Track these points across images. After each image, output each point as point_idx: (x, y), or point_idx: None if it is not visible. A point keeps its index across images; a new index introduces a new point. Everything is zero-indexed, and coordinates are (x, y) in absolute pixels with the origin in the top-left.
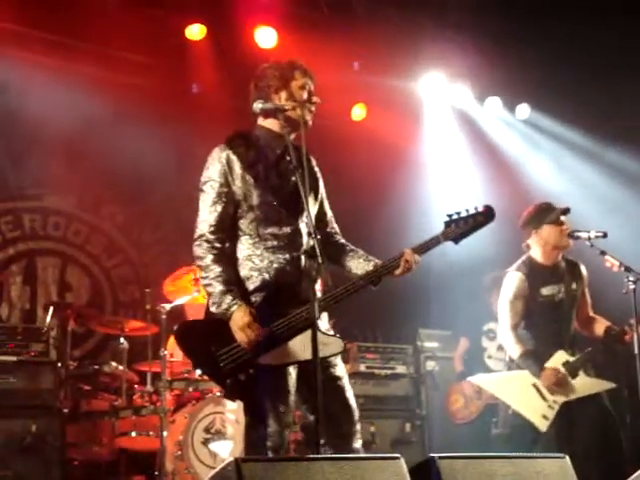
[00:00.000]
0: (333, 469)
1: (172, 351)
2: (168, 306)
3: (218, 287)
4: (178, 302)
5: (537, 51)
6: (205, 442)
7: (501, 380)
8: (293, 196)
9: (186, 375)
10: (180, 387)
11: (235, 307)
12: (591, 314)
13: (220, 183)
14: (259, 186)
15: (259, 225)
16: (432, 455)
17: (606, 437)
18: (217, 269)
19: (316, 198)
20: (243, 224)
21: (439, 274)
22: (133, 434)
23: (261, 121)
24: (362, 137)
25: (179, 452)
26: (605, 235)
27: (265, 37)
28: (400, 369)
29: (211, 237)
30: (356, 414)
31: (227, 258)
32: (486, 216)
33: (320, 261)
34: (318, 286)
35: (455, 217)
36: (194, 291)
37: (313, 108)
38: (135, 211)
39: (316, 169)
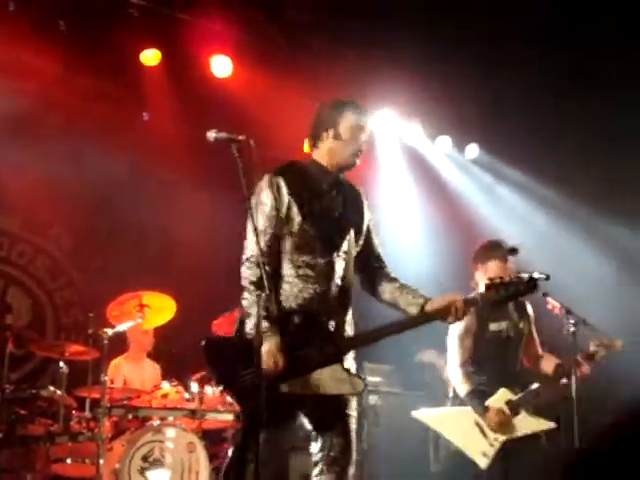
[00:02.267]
0: None
1: (112, 377)
2: (110, 331)
3: (256, 310)
4: (121, 327)
5: (487, 92)
6: (142, 471)
7: (444, 416)
8: (332, 229)
9: (125, 402)
10: (119, 414)
11: (270, 334)
12: (540, 352)
13: (271, 207)
14: (301, 213)
15: (294, 252)
16: None
17: (544, 475)
18: (258, 292)
19: (357, 234)
20: (284, 248)
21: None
22: (68, 461)
23: (315, 154)
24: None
25: None
26: (548, 277)
27: (220, 66)
28: None
29: (261, 260)
30: (354, 454)
31: (271, 283)
32: (528, 286)
33: (267, 292)
34: (349, 320)
35: (497, 282)
36: (138, 317)
37: (360, 150)
38: (82, 234)
39: (364, 206)
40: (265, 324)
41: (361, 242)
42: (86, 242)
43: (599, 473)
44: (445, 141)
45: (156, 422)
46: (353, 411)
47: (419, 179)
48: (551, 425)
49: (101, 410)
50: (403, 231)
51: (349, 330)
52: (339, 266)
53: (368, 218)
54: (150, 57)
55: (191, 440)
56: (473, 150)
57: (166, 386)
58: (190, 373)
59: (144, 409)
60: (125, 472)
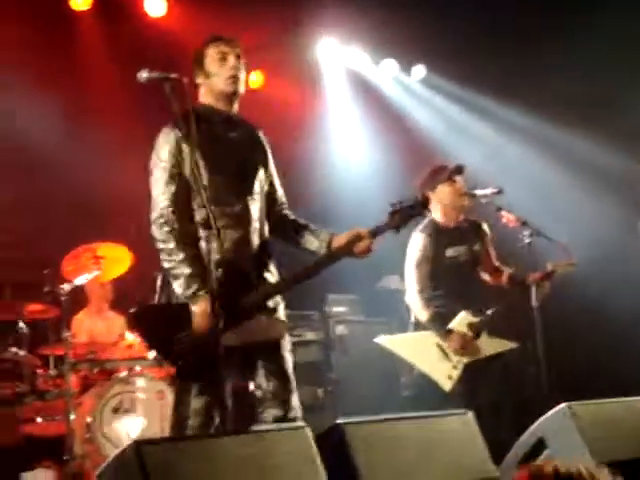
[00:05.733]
0: (237, 445)
1: (76, 332)
2: (67, 286)
3: (185, 270)
4: (78, 282)
5: (429, 11)
6: (114, 422)
7: (406, 341)
8: (241, 171)
9: (91, 356)
10: (85, 368)
11: (201, 294)
12: (496, 264)
13: (171, 164)
14: (206, 164)
15: (208, 203)
16: (337, 422)
17: (509, 391)
18: (181, 253)
19: (265, 173)
20: (195, 204)
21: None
22: (39, 420)
23: (201, 97)
24: (259, 104)
25: (88, 435)
26: (501, 191)
27: (154, 5)
28: (309, 335)
29: (170, 218)
30: (293, 384)
31: (189, 238)
32: (425, 205)
33: (215, 232)
34: (271, 264)
35: (398, 207)
36: (94, 270)
37: (230, 75)
38: (24, 190)
39: (264, 142)
40: (195, 284)
41: (266, 184)
42: (30, 197)
43: None
44: (391, 64)
45: (124, 373)
46: (286, 352)
47: (367, 105)
48: (512, 345)
49: (66, 366)
50: (353, 159)
51: (272, 275)
52: (254, 209)
53: (270, 158)
54: (80, 2)
55: (160, 388)
56: (420, 71)
57: (130, 337)
58: None
59: (110, 361)
60: (97, 425)
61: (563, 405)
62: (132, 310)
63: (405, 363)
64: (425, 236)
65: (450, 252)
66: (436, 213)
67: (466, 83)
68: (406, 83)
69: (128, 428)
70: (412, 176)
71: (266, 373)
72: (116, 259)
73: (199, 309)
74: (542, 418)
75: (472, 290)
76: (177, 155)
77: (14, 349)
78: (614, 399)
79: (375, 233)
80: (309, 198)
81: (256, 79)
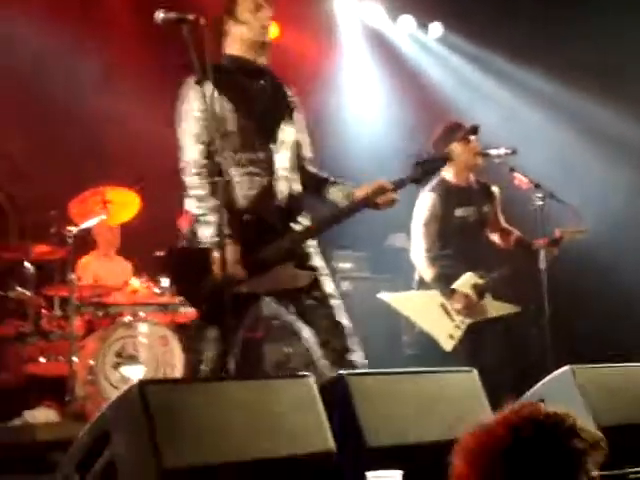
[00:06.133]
0: (241, 389)
1: (81, 275)
2: (74, 229)
3: (215, 218)
4: (85, 225)
5: None
6: (117, 366)
7: (410, 298)
8: (266, 118)
9: (96, 300)
10: (90, 312)
11: (230, 242)
12: (504, 225)
13: (200, 113)
14: (234, 110)
15: (234, 151)
16: (341, 372)
17: (511, 352)
18: (212, 200)
19: (291, 126)
20: (222, 151)
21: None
22: (42, 359)
23: (228, 46)
24: (275, 55)
25: (90, 377)
26: (515, 152)
27: None
28: None
29: (202, 165)
30: (347, 330)
31: (217, 187)
32: (446, 160)
33: (217, 198)
34: (300, 211)
35: (420, 160)
36: (101, 214)
37: (263, 25)
38: (36, 133)
39: (292, 99)
40: (224, 231)
41: (294, 136)
42: (39, 139)
43: None
44: (408, 20)
45: (127, 318)
46: (331, 291)
47: (383, 61)
48: (515, 309)
49: (70, 308)
50: (367, 114)
51: (302, 221)
52: (280, 157)
53: (297, 114)
54: None
55: (164, 334)
56: (437, 29)
57: (135, 282)
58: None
59: (114, 306)
60: (99, 368)
61: (566, 367)
62: (166, 251)
63: (408, 321)
64: (435, 195)
65: (459, 212)
66: (447, 171)
67: (482, 43)
68: (422, 40)
69: (130, 372)
70: (426, 132)
71: (312, 318)
72: (124, 204)
73: (228, 255)
74: (545, 379)
75: (479, 251)
76: (204, 103)
77: (20, 289)
78: (618, 364)
79: (399, 185)
80: (322, 151)
81: (272, 30)
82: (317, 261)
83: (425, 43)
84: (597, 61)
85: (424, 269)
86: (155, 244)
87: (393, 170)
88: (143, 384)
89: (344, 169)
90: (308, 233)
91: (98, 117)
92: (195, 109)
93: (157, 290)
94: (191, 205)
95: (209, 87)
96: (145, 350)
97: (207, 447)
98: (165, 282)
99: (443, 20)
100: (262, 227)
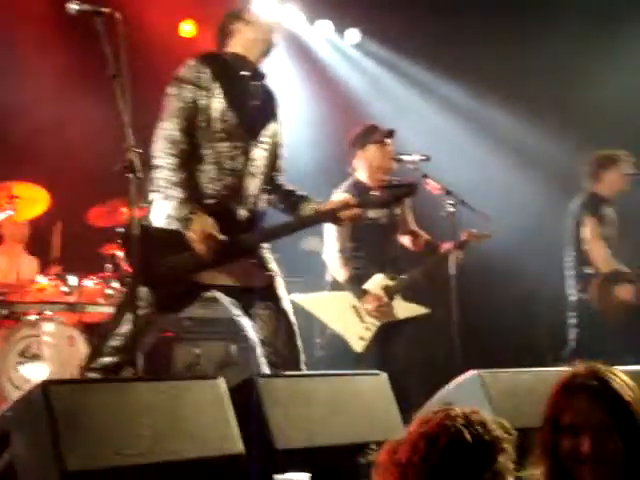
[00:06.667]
0: (149, 391)
1: None
2: None
3: (180, 194)
4: None
5: None
6: (20, 366)
7: (321, 300)
8: (252, 116)
9: (0, 298)
10: None
11: (196, 216)
12: (413, 228)
13: (188, 90)
14: (223, 100)
15: (211, 139)
16: (252, 375)
17: (421, 354)
18: (180, 174)
19: (274, 131)
20: (201, 136)
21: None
22: None
23: (231, 45)
24: (190, 54)
25: None
26: (428, 158)
27: None
28: None
29: (178, 138)
30: (297, 333)
31: (190, 165)
32: (415, 189)
33: (139, 176)
34: (262, 211)
35: (390, 184)
36: (8, 209)
37: (269, 29)
38: None
39: (278, 107)
40: (189, 206)
41: (275, 144)
42: None
43: None
44: (325, 25)
45: (33, 317)
46: (280, 291)
47: (300, 64)
48: (425, 311)
49: None
50: (285, 118)
51: (262, 223)
52: (257, 154)
53: (280, 124)
54: None
55: (70, 334)
56: (354, 35)
57: (42, 280)
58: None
59: (19, 304)
60: (2, 368)
61: (473, 372)
62: (124, 228)
63: (321, 323)
64: (348, 196)
65: (371, 214)
66: (361, 173)
67: (399, 51)
68: (340, 46)
69: (34, 372)
70: (341, 135)
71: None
72: (32, 199)
73: (196, 232)
74: (451, 384)
75: (390, 254)
76: (196, 85)
77: None
78: (524, 369)
79: (363, 204)
80: None
81: (189, 29)
82: (273, 264)
83: (342, 48)
84: (503, 69)
85: (337, 270)
86: (65, 241)
87: (303, 170)
88: (47, 384)
89: None
90: (267, 235)
91: (5, 109)
92: (183, 86)
93: (65, 289)
94: (158, 177)
95: (205, 71)
96: (50, 350)
97: (112, 449)
98: (73, 280)
99: (361, 26)
100: (228, 218)
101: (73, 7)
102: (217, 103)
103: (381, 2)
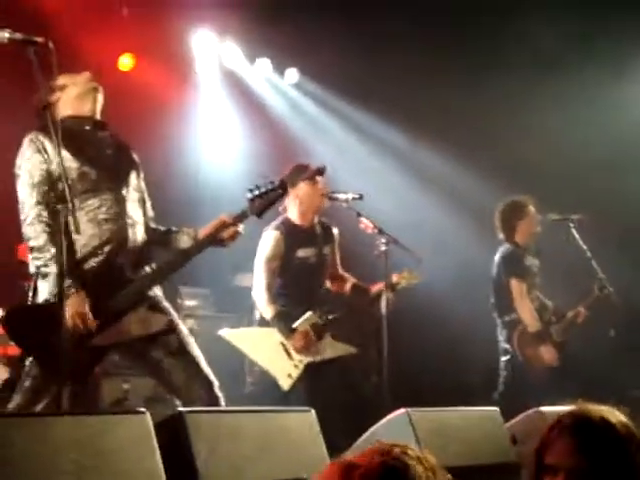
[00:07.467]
0: (73, 425)
1: None
2: None
3: (55, 268)
4: None
5: (309, 17)
6: None
7: (248, 335)
8: (111, 166)
9: None
10: None
11: (74, 291)
12: (340, 272)
13: (39, 164)
14: (76, 160)
15: (79, 199)
16: (179, 410)
17: (349, 393)
18: (52, 250)
19: (137, 181)
20: (64, 200)
21: None
22: None
23: (62, 108)
24: (129, 88)
25: None
26: (361, 197)
27: None
28: None
29: (41, 215)
30: (206, 367)
31: (59, 236)
32: (283, 189)
33: (58, 247)
34: (146, 258)
35: (257, 192)
36: None
37: (87, 78)
38: None
39: (135, 156)
40: (66, 282)
41: (140, 193)
42: None
43: None
44: (265, 64)
45: None
46: (179, 328)
47: (238, 100)
48: (352, 350)
49: None
50: (222, 156)
51: (148, 267)
52: (132, 204)
53: (141, 172)
54: None
55: None
56: (292, 75)
57: None
58: None
59: None
60: None
61: (401, 410)
62: (4, 313)
63: (250, 360)
64: (278, 234)
65: (301, 253)
66: (292, 211)
67: (335, 91)
68: (278, 85)
69: None
70: (276, 174)
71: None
72: None
73: (71, 308)
74: (380, 422)
75: (318, 292)
76: (44, 155)
77: None
78: (452, 408)
79: (239, 219)
80: (171, 187)
81: (127, 62)
82: (166, 303)
83: (281, 87)
84: (435, 112)
85: (264, 307)
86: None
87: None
88: None
89: (194, 207)
90: (156, 276)
91: None
92: (33, 162)
93: None
94: (33, 257)
95: (47, 142)
96: None
97: None
98: None
99: (299, 66)
100: (111, 274)
101: (4, 35)
102: (71, 163)
103: (319, 41)
